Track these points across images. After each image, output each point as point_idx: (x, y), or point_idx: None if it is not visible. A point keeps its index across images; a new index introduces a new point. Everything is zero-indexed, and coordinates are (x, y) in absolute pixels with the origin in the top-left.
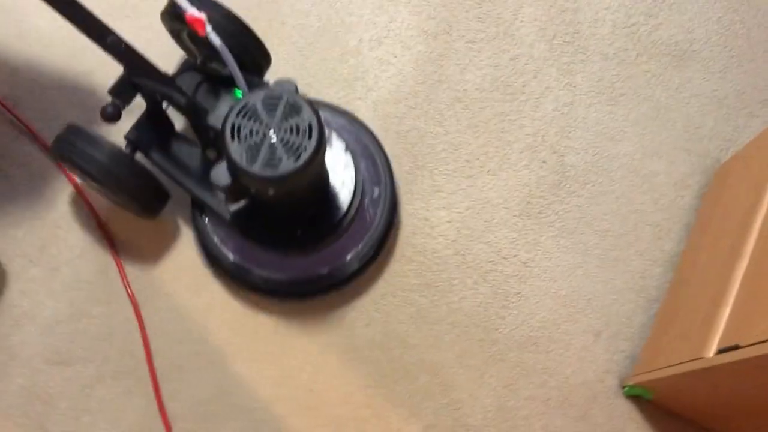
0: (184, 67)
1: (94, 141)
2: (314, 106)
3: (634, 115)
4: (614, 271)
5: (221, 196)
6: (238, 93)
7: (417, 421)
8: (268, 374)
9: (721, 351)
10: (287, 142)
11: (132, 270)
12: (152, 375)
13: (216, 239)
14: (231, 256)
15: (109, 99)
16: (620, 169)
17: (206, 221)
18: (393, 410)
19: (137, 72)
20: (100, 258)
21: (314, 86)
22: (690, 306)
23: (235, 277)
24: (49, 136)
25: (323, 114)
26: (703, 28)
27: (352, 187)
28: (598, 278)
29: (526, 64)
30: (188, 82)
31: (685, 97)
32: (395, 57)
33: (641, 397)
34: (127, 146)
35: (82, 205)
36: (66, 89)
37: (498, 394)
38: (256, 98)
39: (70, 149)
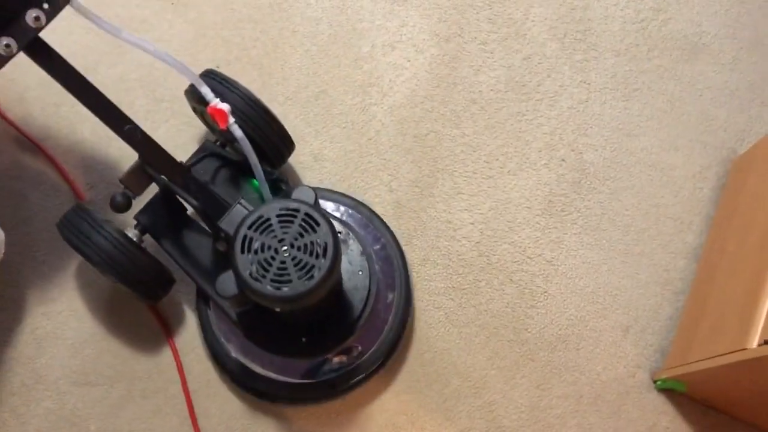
0: (203, 153)
1: (100, 226)
2: (331, 222)
3: (648, 110)
4: (639, 266)
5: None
6: (256, 183)
7: (451, 425)
8: None
9: (766, 342)
10: (300, 261)
11: None
12: (185, 392)
13: (219, 334)
14: (233, 354)
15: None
16: (638, 164)
17: (210, 314)
18: (427, 415)
19: (152, 163)
20: None
21: (329, 93)
22: (722, 298)
23: (236, 376)
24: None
25: (341, 208)
26: (711, 21)
27: (365, 295)
28: (623, 273)
29: (539, 63)
30: (207, 168)
31: (697, 89)
32: (408, 61)
33: (674, 390)
34: (136, 226)
35: None
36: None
37: (530, 394)
38: (272, 211)
39: (75, 232)
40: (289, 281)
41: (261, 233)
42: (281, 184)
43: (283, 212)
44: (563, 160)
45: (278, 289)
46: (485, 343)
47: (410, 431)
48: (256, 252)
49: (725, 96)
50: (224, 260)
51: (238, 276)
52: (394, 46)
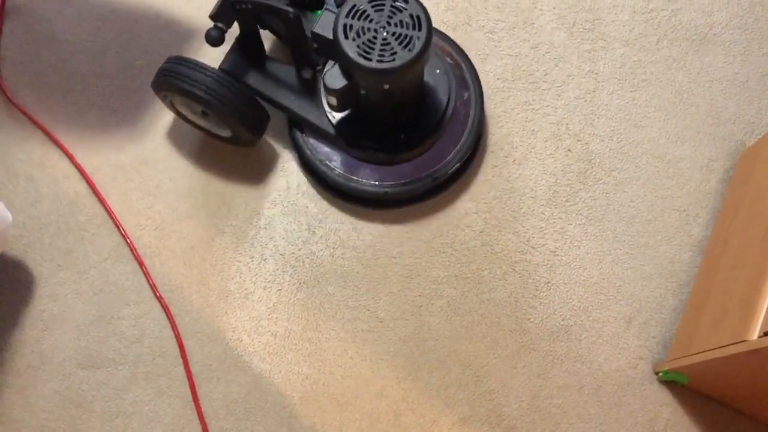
0: None
1: (198, 65)
2: None
3: (656, 101)
4: (643, 258)
5: (326, 107)
6: (318, 12)
7: (452, 412)
8: (301, 371)
9: (766, 334)
10: (399, 35)
11: (160, 273)
12: (188, 375)
13: (322, 157)
14: (338, 170)
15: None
16: (645, 155)
17: (308, 140)
18: (428, 402)
19: None
20: (127, 261)
21: None
22: (724, 290)
23: (342, 191)
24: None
25: None
26: (723, 11)
27: (446, 88)
28: (627, 265)
29: (546, 52)
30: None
31: (707, 81)
32: None
33: (675, 382)
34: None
35: (106, 211)
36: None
37: (531, 383)
38: (362, 2)
39: (176, 77)
40: (394, 53)
41: (359, 19)
42: None
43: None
44: (569, 150)
45: (386, 62)
46: (487, 332)
47: (410, 418)
48: (358, 35)
49: (735, 87)
50: (310, 87)
51: (347, 63)
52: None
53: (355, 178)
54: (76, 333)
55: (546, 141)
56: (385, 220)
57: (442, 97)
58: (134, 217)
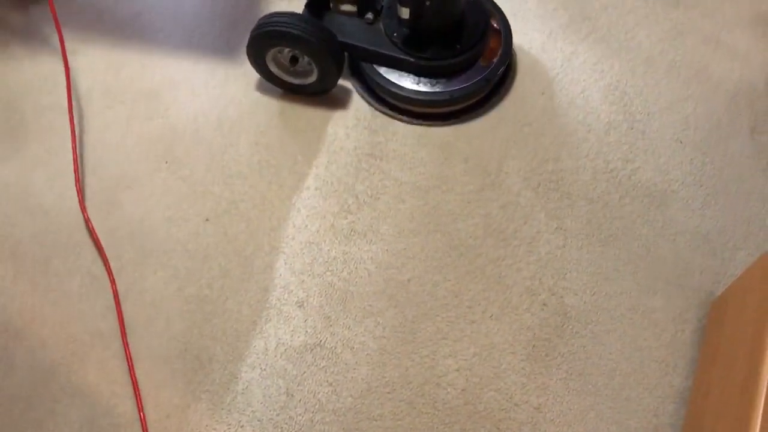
0: None
1: (289, 13)
2: None
3: (625, 255)
4: (627, 411)
5: (392, 36)
6: None
7: None
8: None
9: None
10: None
11: None
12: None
13: (391, 79)
14: (408, 87)
15: None
16: (619, 307)
17: (378, 72)
18: None
19: None
20: None
21: (318, 245)
22: None
23: (414, 103)
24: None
25: None
26: (677, 169)
27: (482, 8)
28: (612, 419)
29: (515, 211)
30: None
31: (670, 234)
32: (391, 210)
33: None
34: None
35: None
36: None
37: None
38: None
39: (273, 24)
40: None
41: None
42: None
43: None
44: (545, 304)
45: None
46: None
47: None
48: None
49: (698, 240)
50: (373, 27)
51: None
52: (378, 197)
53: (422, 89)
54: None
55: (521, 295)
56: (367, 381)
57: (480, 17)
58: (110, 386)
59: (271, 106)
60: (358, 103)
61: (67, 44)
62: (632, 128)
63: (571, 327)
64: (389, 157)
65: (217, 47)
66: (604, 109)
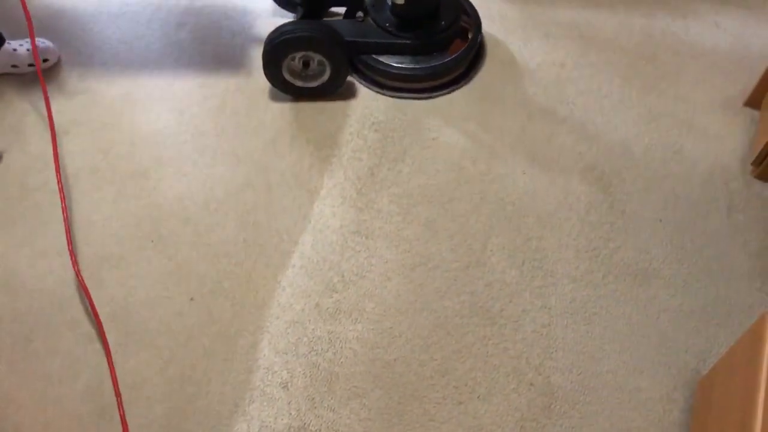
0: None
1: (295, 21)
2: None
3: (610, 333)
4: None
5: (384, 26)
6: None
7: None
8: None
9: None
10: None
11: None
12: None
13: (386, 61)
14: (397, 65)
15: None
16: (606, 386)
17: (373, 59)
18: None
19: None
20: None
21: (301, 323)
22: None
23: (405, 78)
24: None
25: None
26: (658, 248)
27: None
28: None
29: (500, 289)
30: None
31: (654, 312)
32: (377, 288)
33: None
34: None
35: None
36: None
37: None
38: None
39: (287, 33)
40: None
41: None
42: None
43: None
44: (532, 384)
45: None
46: None
47: None
48: None
49: (681, 318)
50: (366, 26)
51: None
52: (364, 275)
53: (414, 66)
54: None
55: (508, 375)
56: None
57: (454, 12)
58: None
59: (258, 184)
60: (344, 183)
61: (57, 126)
62: (612, 207)
63: (558, 407)
64: (375, 234)
65: (206, 127)
66: (584, 189)
